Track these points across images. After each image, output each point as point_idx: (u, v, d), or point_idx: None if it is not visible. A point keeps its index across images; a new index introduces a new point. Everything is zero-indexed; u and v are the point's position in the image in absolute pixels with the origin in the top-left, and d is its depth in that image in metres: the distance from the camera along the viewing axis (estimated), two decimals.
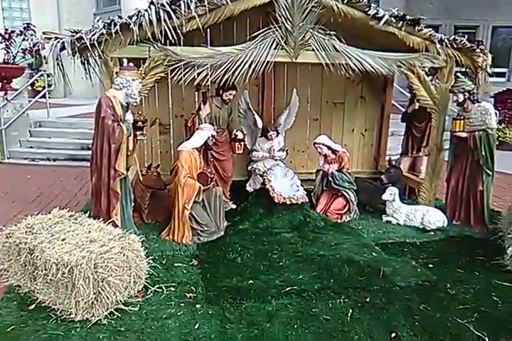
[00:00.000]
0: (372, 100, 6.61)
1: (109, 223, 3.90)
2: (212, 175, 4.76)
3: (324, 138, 5.46)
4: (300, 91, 6.08)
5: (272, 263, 4.16)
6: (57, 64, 4.34)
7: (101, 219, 3.98)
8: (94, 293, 3.21)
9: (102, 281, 3.24)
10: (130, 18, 4.28)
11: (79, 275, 3.15)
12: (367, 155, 6.86)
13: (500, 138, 10.57)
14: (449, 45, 5.01)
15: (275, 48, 4.66)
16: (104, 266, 3.25)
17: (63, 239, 3.45)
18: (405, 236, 4.98)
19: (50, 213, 3.96)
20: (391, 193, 5.31)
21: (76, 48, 4.24)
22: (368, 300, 3.57)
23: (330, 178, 5.37)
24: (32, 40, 9.60)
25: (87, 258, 3.19)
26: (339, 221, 5.33)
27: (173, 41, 4.37)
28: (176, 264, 4.12)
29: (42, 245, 3.35)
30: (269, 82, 6.06)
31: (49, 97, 10.64)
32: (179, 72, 4.55)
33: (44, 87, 10.91)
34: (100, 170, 4.11)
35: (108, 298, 3.28)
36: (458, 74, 5.13)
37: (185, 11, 4.28)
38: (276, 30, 4.62)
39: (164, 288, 3.67)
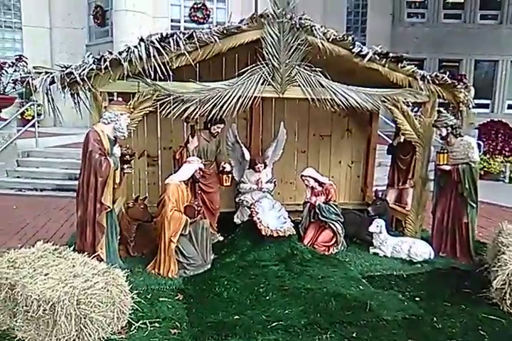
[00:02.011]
0: (359, 133, 6.73)
1: (93, 257, 3.87)
2: (199, 208, 4.77)
3: (311, 171, 5.52)
4: (287, 124, 6.19)
5: (258, 298, 4.12)
6: (47, 97, 4.39)
7: (86, 252, 3.95)
8: (76, 330, 3.17)
9: (85, 318, 3.20)
10: (120, 53, 4.37)
11: (61, 311, 3.12)
12: (354, 187, 6.92)
13: (485, 169, 10.75)
14: (431, 81, 5.16)
15: (262, 84, 4.78)
16: (87, 302, 3.21)
17: (46, 274, 3.41)
18: (392, 268, 4.99)
19: (33, 246, 3.92)
20: (378, 225, 5.34)
21: (66, 83, 4.30)
22: (354, 335, 3.55)
23: (317, 210, 5.40)
24: (24, 70, 9.73)
25: (69, 294, 3.16)
26: (326, 253, 5.32)
27: (162, 77, 4.46)
28: (161, 299, 4.07)
29: (24, 280, 3.31)
30: (257, 115, 6.16)
31: (38, 126, 10.67)
32: (168, 106, 4.62)
33: (34, 116, 10.94)
34: (86, 203, 4.10)
35: (90, 335, 3.24)
36: (441, 109, 5.28)
37: (174, 48, 4.40)
38: (264, 67, 4.74)
39: (148, 324, 3.61)
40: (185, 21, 13.72)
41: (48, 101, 4.39)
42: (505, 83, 18.15)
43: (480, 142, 10.58)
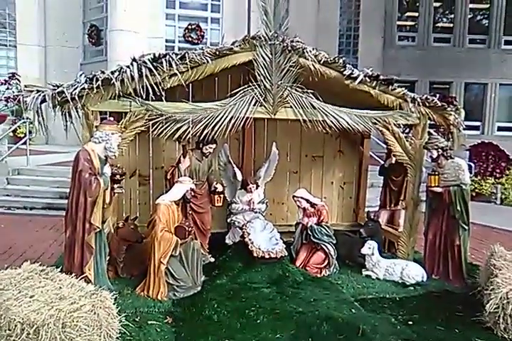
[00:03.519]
0: (351, 154, 6.76)
1: (81, 278, 3.79)
2: (190, 229, 4.72)
3: (303, 192, 5.50)
4: (280, 144, 6.21)
5: (249, 321, 4.04)
6: (38, 116, 4.37)
7: (73, 274, 3.86)
8: None
9: None
10: (112, 73, 4.38)
11: (45, 335, 3.03)
12: (346, 208, 6.90)
13: (477, 190, 10.79)
14: (421, 104, 5.21)
15: (254, 105, 4.80)
16: (73, 326, 3.13)
17: (32, 296, 3.32)
18: (385, 291, 4.94)
19: (20, 267, 3.84)
20: (370, 247, 5.30)
21: (57, 102, 4.29)
22: None
23: (309, 232, 5.35)
24: (17, 88, 9.74)
25: (55, 317, 3.08)
26: (318, 275, 5.26)
27: (154, 97, 4.47)
28: (149, 322, 3.98)
29: (8, 303, 3.21)
30: (249, 136, 6.17)
31: (30, 144, 10.59)
32: (160, 126, 4.61)
33: (26, 134, 10.87)
34: (75, 223, 4.03)
35: None
36: (431, 131, 5.32)
37: (166, 69, 4.42)
38: (256, 88, 4.78)
39: None
40: (179, 42, 13.89)
41: (39, 119, 4.36)
42: (494, 105, 18.44)
43: (471, 164, 10.66)
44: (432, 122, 5.46)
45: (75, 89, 4.27)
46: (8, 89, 9.74)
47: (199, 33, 13.76)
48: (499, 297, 3.95)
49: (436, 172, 5.16)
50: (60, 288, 3.50)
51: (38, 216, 8.11)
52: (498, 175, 11.36)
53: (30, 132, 10.84)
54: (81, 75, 4.42)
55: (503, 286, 3.99)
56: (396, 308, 4.51)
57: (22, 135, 12.08)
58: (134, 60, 4.40)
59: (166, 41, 13.76)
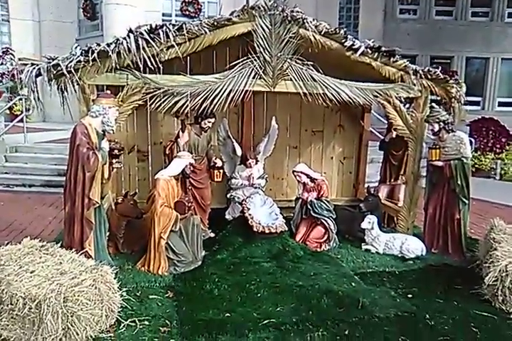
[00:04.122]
0: (351, 128, 6.68)
1: (81, 254, 3.79)
2: (189, 204, 4.71)
3: (303, 167, 5.47)
4: (279, 119, 6.12)
5: (249, 295, 4.07)
6: (33, 91, 4.28)
7: (73, 249, 3.86)
8: (63, 329, 3.10)
9: (72, 316, 3.13)
10: (108, 45, 4.28)
11: (47, 309, 3.05)
12: (346, 183, 6.88)
13: (477, 166, 10.76)
14: (423, 76, 5.12)
15: (253, 78, 4.71)
16: (75, 300, 3.15)
17: (32, 271, 3.33)
18: (384, 265, 4.97)
19: (20, 243, 3.83)
20: (369, 221, 5.31)
21: (52, 75, 4.20)
22: (346, 332, 3.51)
23: (309, 206, 5.35)
24: (11, 64, 9.54)
25: (56, 292, 3.09)
26: (318, 250, 5.28)
27: (152, 69, 4.38)
28: (150, 296, 4.01)
29: (9, 278, 3.23)
30: (248, 110, 6.09)
31: (27, 121, 10.47)
32: (158, 100, 4.54)
33: (22, 111, 10.75)
34: (74, 198, 4.00)
35: (78, 334, 3.17)
36: (433, 104, 5.24)
37: (164, 40, 4.31)
38: (255, 60, 4.67)
39: (138, 322, 3.56)
40: (176, 15, 13.60)
41: (34, 95, 4.27)
42: (495, 80, 18.24)
43: (472, 139, 10.59)
44: (433, 97, 5.38)
45: (71, 61, 4.18)
46: (2, 64, 9.53)
47: (196, 6, 13.48)
48: (498, 270, 3.97)
49: (438, 146, 5.11)
50: (61, 263, 3.51)
51: (36, 193, 8.08)
52: (498, 151, 11.31)
53: (27, 109, 10.67)
54: (76, 48, 4.31)
55: (502, 259, 4.01)
56: (395, 282, 4.54)
57: (18, 112, 11.95)
58: (130, 31, 4.29)
59: (163, 15, 13.47)
